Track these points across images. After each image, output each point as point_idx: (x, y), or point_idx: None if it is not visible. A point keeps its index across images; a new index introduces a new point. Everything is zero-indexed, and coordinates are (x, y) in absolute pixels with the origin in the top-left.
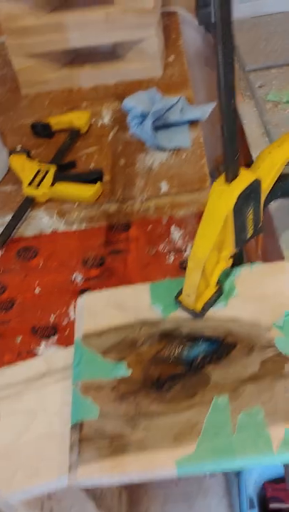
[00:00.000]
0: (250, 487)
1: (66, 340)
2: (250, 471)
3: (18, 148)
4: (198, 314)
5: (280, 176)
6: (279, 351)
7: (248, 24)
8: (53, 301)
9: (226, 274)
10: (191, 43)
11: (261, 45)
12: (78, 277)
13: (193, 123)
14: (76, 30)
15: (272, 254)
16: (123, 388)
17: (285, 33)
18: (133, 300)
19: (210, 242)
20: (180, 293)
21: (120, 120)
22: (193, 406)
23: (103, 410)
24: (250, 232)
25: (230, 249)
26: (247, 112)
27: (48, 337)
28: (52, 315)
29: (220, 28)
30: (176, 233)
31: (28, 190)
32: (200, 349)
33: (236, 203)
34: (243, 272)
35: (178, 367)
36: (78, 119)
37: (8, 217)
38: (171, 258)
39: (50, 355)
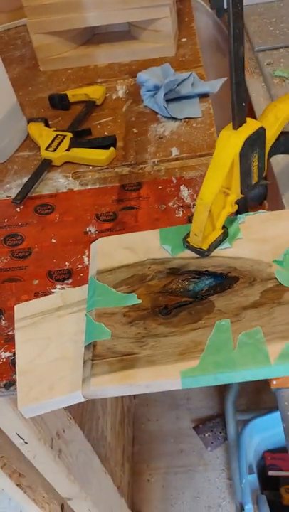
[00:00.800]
0: (251, 455)
1: (80, 283)
2: (250, 440)
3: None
4: (205, 253)
5: (283, 132)
6: (279, 282)
7: (261, 8)
8: (68, 250)
9: (231, 220)
10: (204, 28)
11: (271, 28)
12: (92, 230)
13: (203, 96)
14: (94, 9)
15: None
16: (133, 314)
17: None
18: (144, 242)
19: (217, 184)
20: (188, 235)
21: (134, 94)
22: (198, 328)
23: (115, 333)
24: (255, 178)
25: (236, 194)
26: (255, 87)
27: (62, 280)
28: (67, 262)
29: None
30: (185, 192)
31: (45, 154)
32: (205, 283)
33: (243, 147)
34: (248, 218)
35: (184, 297)
36: (94, 92)
37: (26, 179)
38: (180, 213)
39: (66, 291)
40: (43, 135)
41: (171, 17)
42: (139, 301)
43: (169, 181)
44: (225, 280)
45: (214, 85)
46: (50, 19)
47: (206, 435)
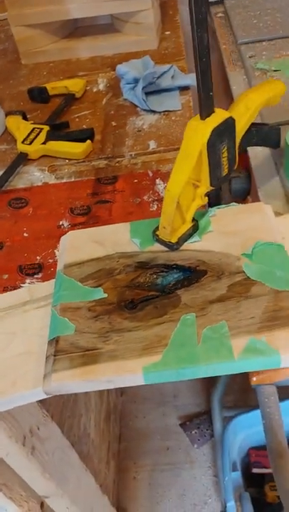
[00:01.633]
0: (235, 452)
1: (51, 277)
2: (234, 437)
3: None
4: (174, 246)
5: (256, 123)
6: (247, 276)
7: (246, 1)
8: (40, 244)
9: (202, 213)
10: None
11: (255, 21)
12: (65, 224)
13: (184, 89)
14: (75, 2)
15: None
16: (99, 309)
17: (277, 10)
18: (113, 236)
19: (184, 175)
20: (157, 228)
21: (115, 87)
22: (163, 323)
23: (79, 328)
24: (225, 170)
25: (205, 186)
26: (237, 80)
27: (33, 275)
28: (38, 256)
29: None
30: (160, 185)
31: (22, 147)
32: (173, 276)
33: (210, 137)
34: (220, 211)
35: (151, 292)
36: (74, 85)
37: (1, 172)
38: (155, 207)
39: (34, 286)
40: (20, 128)
41: (153, 9)
42: (105, 295)
43: (145, 175)
44: (193, 274)
45: (195, 78)
46: (31, 11)
47: (193, 432)
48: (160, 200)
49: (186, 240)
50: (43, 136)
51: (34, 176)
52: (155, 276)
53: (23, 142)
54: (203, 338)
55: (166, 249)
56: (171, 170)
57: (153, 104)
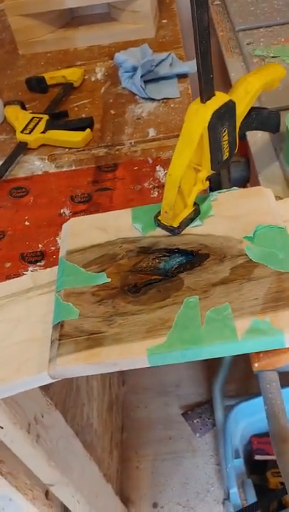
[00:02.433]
0: (237, 440)
1: (53, 265)
2: (236, 425)
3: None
4: (175, 231)
5: (255, 108)
6: (249, 259)
7: None
8: (42, 232)
9: (203, 198)
10: (186, 9)
11: (252, 7)
12: (66, 212)
13: (182, 76)
14: None
15: None
16: (102, 293)
17: None
18: (115, 222)
19: (186, 159)
20: (159, 213)
21: (113, 76)
22: (166, 306)
23: (83, 312)
24: (226, 154)
25: (206, 170)
26: (235, 67)
27: (35, 262)
28: (40, 244)
29: None
30: (160, 172)
31: (21, 136)
32: (175, 260)
33: (211, 120)
34: (221, 195)
35: (154, 276)
36: (72, 74)
37: (1, 162)
38: (155, 193)
39: (37, 273)
40: (19, 118)
41: None
42: (109, 280)
43: (145, 162)
44: (195, 257)
45: (193, 65)
46: (27, 1)
47: (195, 421)
48: (160, 186)
49: (187, 225)
50: (42, 125)
51: (34, 165)
52: (157, 260)
53: (22, 132)
54: (206, 319)
55: (168, 233)
56: (171, 157)
57: (151, 92)
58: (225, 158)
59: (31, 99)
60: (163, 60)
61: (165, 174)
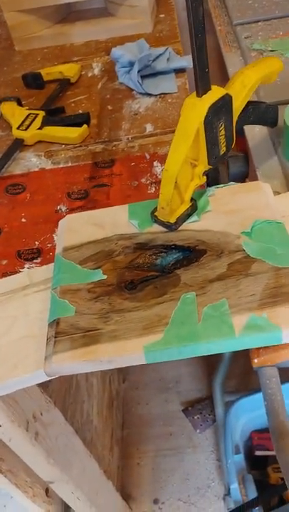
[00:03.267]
0: (237, 435)
1: (49, 262)
2: (236, 420)
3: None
4: (172, 227)
5: (253, 102)
6: (246, 254)
7: None
8: (38, 229)
9: (200, 193)
10: (184, 5)
11: (250, 1)
12: (63, 208)
13: (180, 71)
14: None
15: None
16: (98, 290)
17: None
18: (112, 218)
19: (182, 154)
20: (156, 209)
21: (110, 71)
22: (163, 302)
23: (79, 309)
24: (222, 149)
25: (203, 165)
26: (233, 61)
27: (32, 259)
28: (37, 241)
29: None
30: (158, 168)
31: (17, 133)
32: (172, 257)
33: (207, 115)
34: (218, 190)
35: (151, 272)
36: (68, 70)
37: None
38: (153, 189)
39: (33, 270)
40: (16, 114)
41: None
42: (105, 276)
43: (142, 157)
44: (192, 253)
45: (190, 60)
46: None
47: (195, 417)
48: (158, 182)
49: (184, 220)
50: (38, 121)
51: (31, 161)
52: (154, 256)
53: (18, 128)
54: (203, 316)
55: (165, 229)
56: (168, 152)
57: (149, 87)
58: (222, 152)
59: (28, 95)
60: (160, 55)
61: (162, 170)
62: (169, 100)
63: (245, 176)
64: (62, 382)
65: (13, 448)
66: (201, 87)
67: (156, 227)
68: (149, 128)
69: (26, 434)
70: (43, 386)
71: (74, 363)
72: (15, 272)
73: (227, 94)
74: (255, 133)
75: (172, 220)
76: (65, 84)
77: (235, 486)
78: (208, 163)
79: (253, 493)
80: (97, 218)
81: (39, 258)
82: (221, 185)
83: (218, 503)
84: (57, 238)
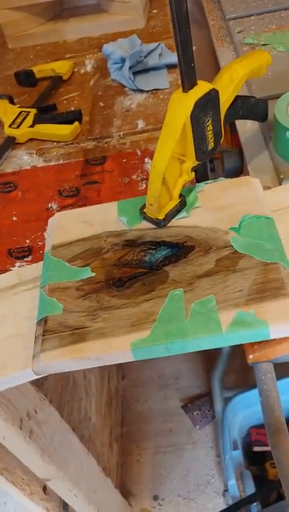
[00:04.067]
0: (235, 431)
1: (40, 260)
2: (234, 416)
3: None
4: (161, 223)
5: (242, 96)
6: (234, 250)
7: None
8: (29, 227)
9: (189, 189)
10: None
11: None
12: (54, 206)
13: (172, 67)
14: None
15: None
16: (86, 288)
17: None
18: (101, 215)
19: (169, 150)
20: (144, 205)
21: (102, 68)
22: (151, 299)
23: (67, 307)
24: (210, 144)
25: (191, 160)
26: (225, 56)
27: (22, 258)
28: (27, 239)
29: None
30: (149, 164)
31: (9, 131)
32: (161, 253)
33: (193, 110)
34: (207, 186)
35: (139, 269)
36: (61, 67)
37: None
38: (144, 186)
39: (22, 268)
40: (8, 112)
41: None
42: (93, 274)
43: (134, 154)
44: (180, 250)
45: None
46: None
47: (195, 414)
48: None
49: (173, 217)
50: (30, 119)
51: (22, 159)
52: (143, 253)
53: (10, 126)
54: (191, 312)
55: (153, 226)
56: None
57: (140, 83)
58: (210, 148)
59: (20, 93)
60: (152, 51)
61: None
62: (161, 96)
63: (240, 170)
64: (59, 380)
65: (8, 446)
66: (187, 82)
67: (145, 224)
68: (140, 124)
69: (20, 432)
70: (38, 384)
71: (62, 360)
72: (5, 271)
73: (213, 89)
74: (247, 128)
75: (161, 217)
76: (57, 81)
77: (233, 482)
78: (196, 159)
79: (251, 489)
80: (86, 216)
81: (30, 256)
82: (210, 181)
83: (218, 499)
84: (46, 236)
